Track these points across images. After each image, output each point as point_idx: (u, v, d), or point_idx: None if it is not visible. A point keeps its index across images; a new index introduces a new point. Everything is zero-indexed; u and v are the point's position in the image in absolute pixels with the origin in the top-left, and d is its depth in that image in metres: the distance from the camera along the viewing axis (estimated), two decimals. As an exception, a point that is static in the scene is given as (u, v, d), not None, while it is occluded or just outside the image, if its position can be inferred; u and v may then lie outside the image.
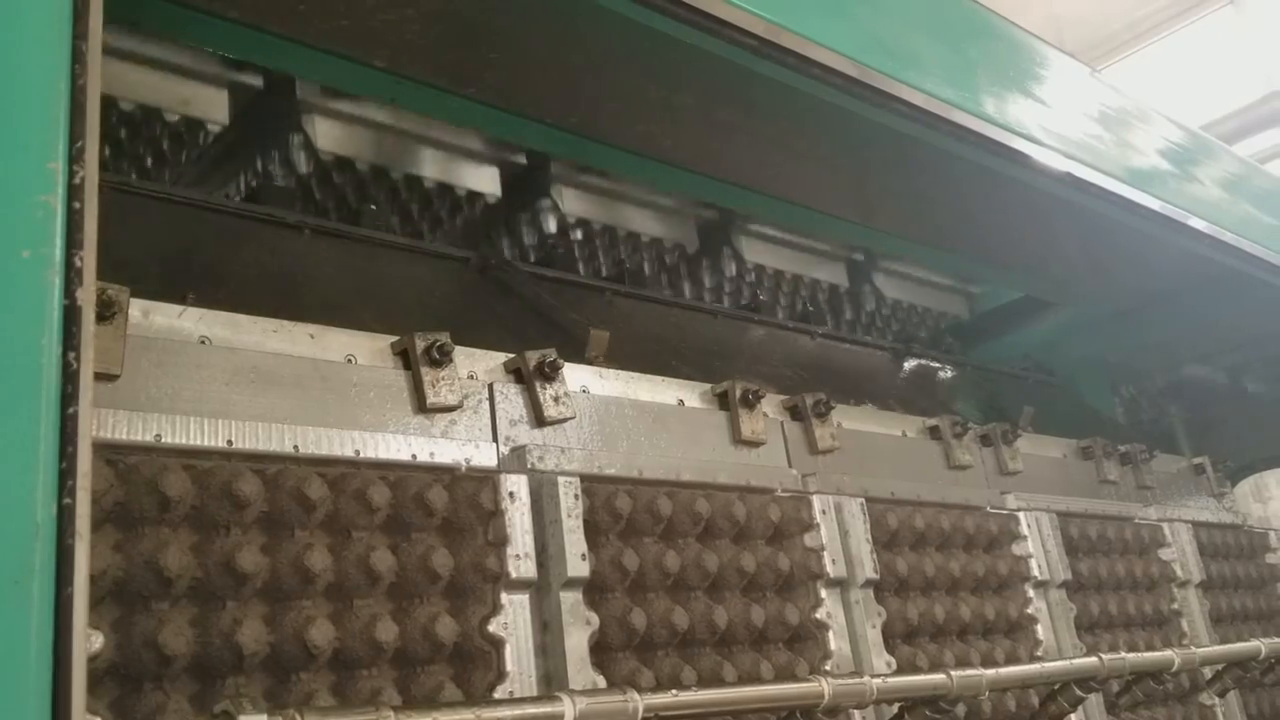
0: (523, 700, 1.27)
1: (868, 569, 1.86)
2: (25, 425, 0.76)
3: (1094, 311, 3.24)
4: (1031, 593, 2.19)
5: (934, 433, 2.31)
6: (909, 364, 2.89)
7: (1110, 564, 2.41)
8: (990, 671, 1.59)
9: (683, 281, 2.75)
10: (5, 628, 0.71)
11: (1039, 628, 2.16)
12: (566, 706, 1.10)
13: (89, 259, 0.85)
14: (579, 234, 2.36)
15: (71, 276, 0.83)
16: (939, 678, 1.54)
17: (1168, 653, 1.94)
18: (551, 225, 2.30)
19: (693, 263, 2.78)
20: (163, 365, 1.32)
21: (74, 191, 0.85)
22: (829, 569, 1.81)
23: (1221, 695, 2.37)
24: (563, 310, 2.07)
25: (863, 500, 1.91)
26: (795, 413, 2.05)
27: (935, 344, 3.10)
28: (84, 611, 0.73)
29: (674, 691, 1.23)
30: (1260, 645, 2.19)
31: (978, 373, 3.13)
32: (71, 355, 0.79)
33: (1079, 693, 1.79)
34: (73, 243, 0.84)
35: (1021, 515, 2.23)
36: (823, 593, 1.81)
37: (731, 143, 2.09)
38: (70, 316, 0.81)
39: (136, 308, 1.33)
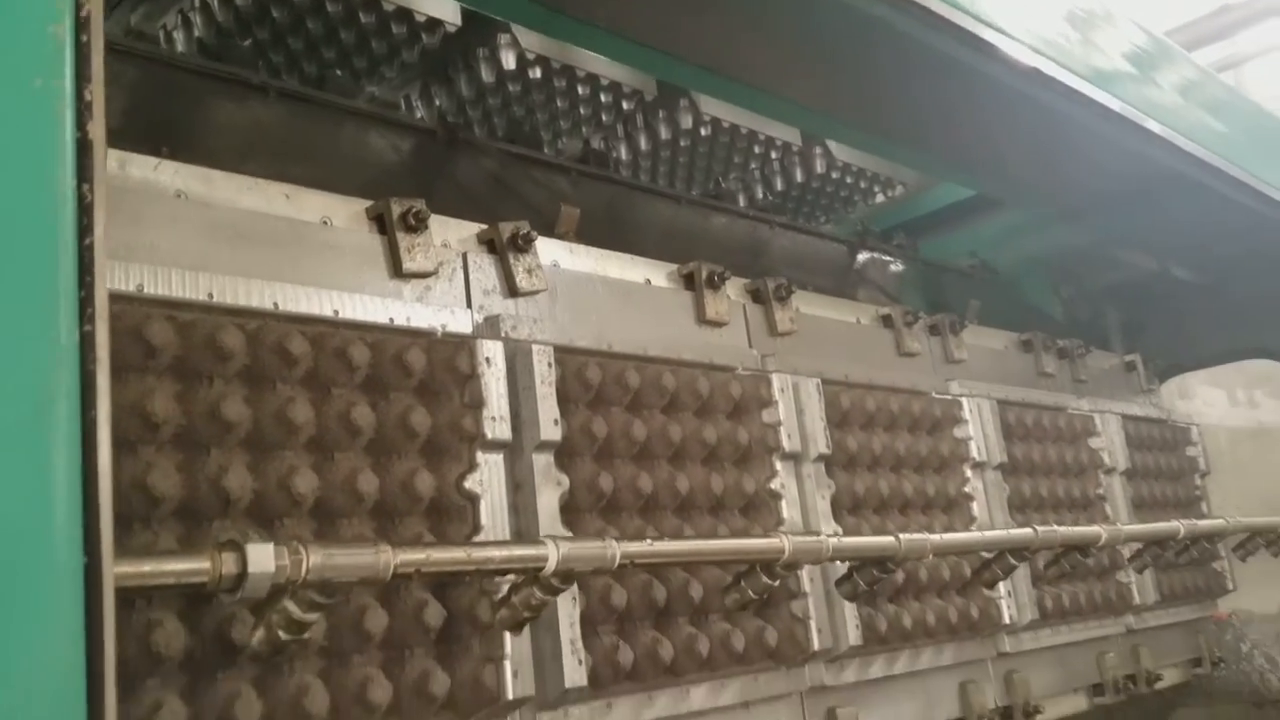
0: (509, 543, 1.33)
1: (820, 445, 1.94)
2: (46, 254, 0.78)
3: (1040, 213, 3.32)
4: (969, 473, 2.29)
5: (886, 321, 2.38)
6: (862, 255, 2.95)
7: (1043, 450, 2.52)
8: (935, 537, 1.68)
9: (639, 134, 2.72)
10: (36, 450, 0.73)
11: (974, 505, 2.27)
12: (550, 550, 1.15)
13: (98, 93, 0.85)
14: (537, 72, 2.32)
15: (82, 109, 0.83)
16: (888, 540, 1.63)
17: (1095, 528, 2.06)
18: (510, 61, 2.26)
19: (650, 111, 2.75)
20: (140, 217, 1.32)
21: (81, 24, 0.85)
22: (785, 443, 1.88)
23: (1140, 571, 2.52)
24: (531, 186, 2.08)
25: (818, 381, 1.98)
26: (756, 296, 2.10)
27: (886, 237, 3.16)
28: (108, 432, 0.75)
29: (648, 540, 1.30)
30: (1179, 525, 2.32)
31: (927, 267, 3.21)
32: (85, 187, 0.80)
33: (1012, 561, 1.90)
34: (82, 75, 0.84)
35: (964, 401, 2.32)
36: (778, 465, 1.88)
37: (693, 19, 2.08)
38: (83, 149, 0.82)
39: (113, 158, 1.33)
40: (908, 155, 3.11)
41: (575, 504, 1.57)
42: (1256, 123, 2.95)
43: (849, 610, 1.86)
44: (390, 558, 1.02)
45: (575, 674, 1.44)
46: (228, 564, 0.91)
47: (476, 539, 1.40)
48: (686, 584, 1.65)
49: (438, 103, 2.33)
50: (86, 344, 0.78)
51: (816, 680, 1.88)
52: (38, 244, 0.77)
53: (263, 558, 0.92)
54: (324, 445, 1.35)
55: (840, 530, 1.92)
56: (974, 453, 2.29)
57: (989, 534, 1.91)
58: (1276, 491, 3.48)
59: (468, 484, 1.45)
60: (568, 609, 1.45)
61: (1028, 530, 1.90)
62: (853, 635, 1.86)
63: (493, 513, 1.46)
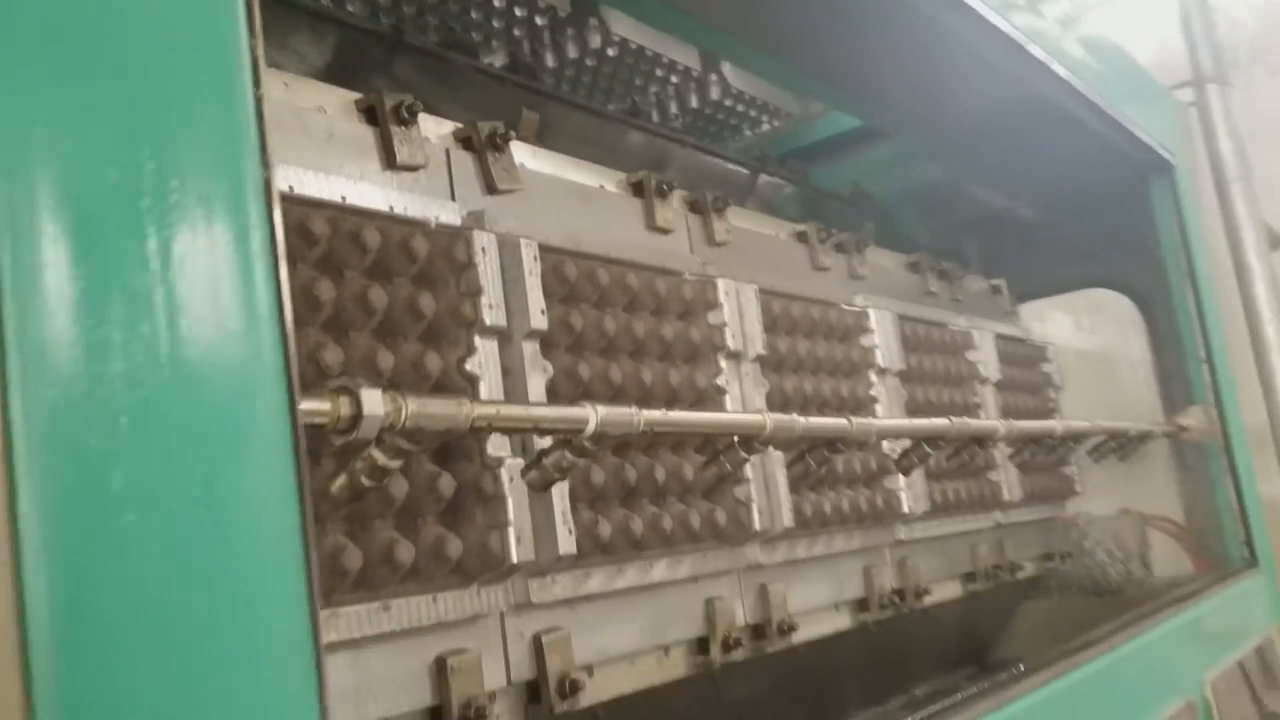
0: (554, 406, 1.43)
1: (757, 346, 2.09)
2: (231, 101, 0.83)
3: (917, 145, 3.55)
4: (875, 378, 2.49)
5: (801, 237, 2.54)
6: (762, 178, 3.11)
7: (933, 361, 2.75)
8: (879, 422, 1.86)
9: (545, 52, 2.78)
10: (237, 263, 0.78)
11: (879, 407, 2.47)
12: (590, 413, 1.26)
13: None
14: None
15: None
16: (841, 422, 1.80)
17: (994, 422, 2.31)
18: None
19: (557, 29, 2.80)
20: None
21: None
22: (729, 343, 2.02)
23: (1018, 465, 2.79)
24: (471, 91, 2.14)
25: (755, 288, 2.13)
26: (695, 207, 2.22)
27: (782, 163, 3.33)
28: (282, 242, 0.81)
29: (663, 410, 1.42)
30: (1056, 424, 2.60)
31: (816, 194, 3.39)
32: (253, 42, 0.85)
33: (927, 449, 2.12)
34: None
35: (871, 313, 2.51)
36: (722, 363, 2.02)
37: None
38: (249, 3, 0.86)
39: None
40: (801, 81, 3.28)
41: (556, 390, 1.67)
42: (1119, 63, 3.23)
43: (784, 496, 2.03)
44: (470, 410, 1.11)
45: (567, 543, 1.56)
46: (344, 406, 0.98)
47: (484, 416, 1.48)
48: (651, 468, 1.78)
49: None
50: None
51: (753, 560, 2.04)
52: (222, 92, 0.82)
53: (374, 401, 1.00)
54: (340, 324, 1.41)
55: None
56: (879, 360, 2.49)
57: (918, 422, 2.11)
58: (1115, 406, 3.86)
59: (468, 366, 1.53)
60: (559, 485, 1.56)
61: (944, 421, 2.11)
62: (787, 519, 2.03)
63: (490, 394, 1.55)
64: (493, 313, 1.56)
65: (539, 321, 1.62)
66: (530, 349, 1.62)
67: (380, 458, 1.07)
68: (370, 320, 1.42)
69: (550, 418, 1.26)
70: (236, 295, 0.74)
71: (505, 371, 1.60)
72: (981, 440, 2.29)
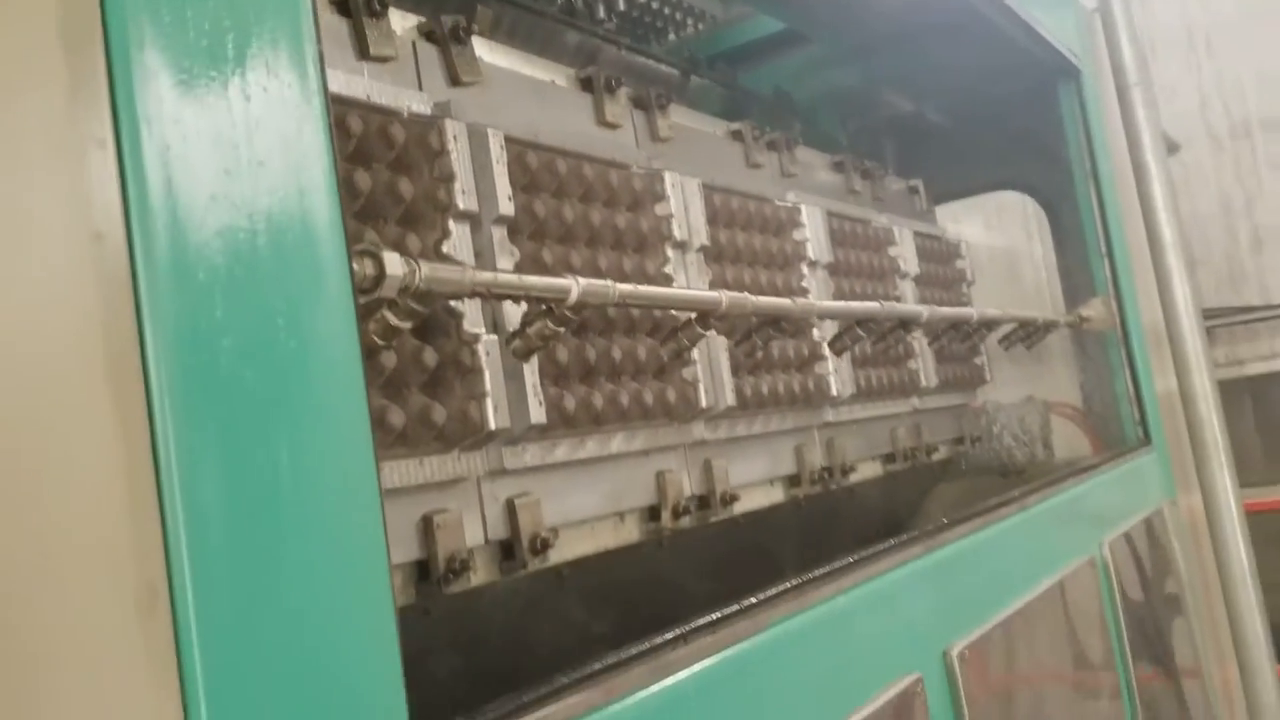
0: (540, 277, 1.53)
1: (702, 237, 2.22)
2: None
3: (836, 49, 3.68)
4: (806, 270, 2.64)
5: (736, 136, 2.66)
6: (694, 80, 3.20)
7: (857, 255, 2.91)
8: (820, 303, 2.02)
9: None
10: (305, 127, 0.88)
11: (811, 297, 2.63)
12: (572, 284, 1.38)
13: None
14: None
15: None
16: (786, 302, 1.94)
17: (920, 307, 2.49)
18: None
19: None
20: None
21: None
22: (676, 233, 2.14)
23: (934, 349, 2.99)
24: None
25: (699, 181, 2.24)
26: (639, 103, 2.31)
27: (711, 66, 3.42)
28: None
29: (634, 285, 1.54)
30: (972, 311, 2.79)
31: (741, 95, 3.50)
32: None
33: (860, 332, 2.28)
34: None
35: (802, 209, 2.65)
36: (669, 253, 2.15)
37: None
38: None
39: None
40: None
41: (522, 274, 1.78)
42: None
43: (727, 377, 2.17)
44: (473, 276, 1.22)
45: (538, 413, 1.68)
46: (369, 267, 1.08)
47: (462, 297, 1.58)
48: (609, 349, 1.91)
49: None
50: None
51: (699, 436, 2.20)
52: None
53: (395, 262, 1.10)
54: (328, 207, 1.50)
55: (719, 310, 2.22)
56: (810, 253, 2.63)
57: (854, 304, 2.27)
58: (1020, 302, 4.09)
59: (444, 248, 1.63)
60: (530, 362, 1.68)
61: (875, 304, 2.27)
62: (730, 398, 2.18)
63: (465, 275, 1.65)
64: (465, 198, 1.65)
65: (506, 207, 1.71)
66: (499, 234, 1.72)
67: (392, 319, 1.17)
68: (355, 203, 1.51)
69: (539, 286, 1.37)
70: (306, 153, 0.84)
71: (477, 254, 1.70)
72: (906, 325, 2.46)
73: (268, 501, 0.80)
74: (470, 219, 1.68)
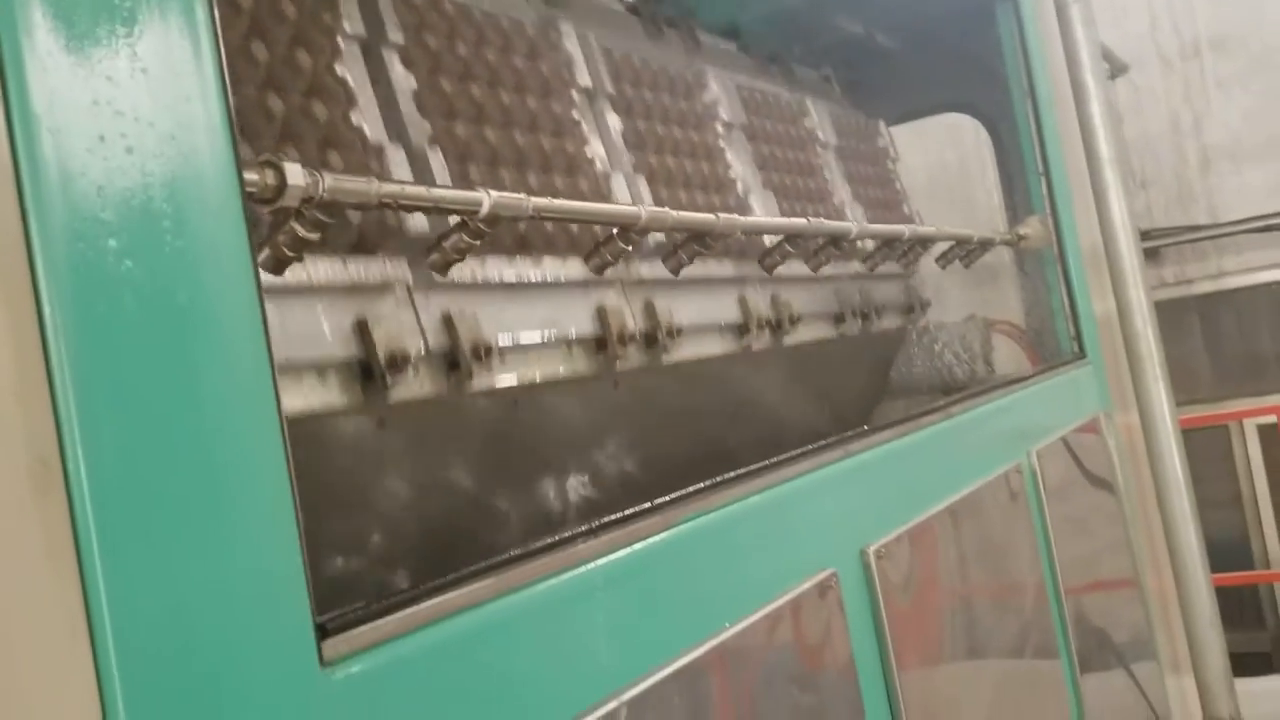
0: (454, 189, 1.53)
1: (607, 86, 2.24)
2: None
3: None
4: (722, 130, 2.65)
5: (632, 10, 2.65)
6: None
7: (773, 124, 2.93)
8: (744, 219, 2.05)
9: None
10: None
11: (729, 158, 2.64)
12: (484, 196, 1.41)
13: None
14: None
15: None
16: (709, 217, 1.98)
17: (848, 223, 2.53)
18: None
19: None
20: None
21: None
22: (580, 80, 2.17)
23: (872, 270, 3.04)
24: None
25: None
26: None
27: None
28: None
29: (549, 198, 1.57)
30: (904, 228, 2.85)
31: (689, 22, 3.50)
32: None
33: (789, 249, 2.33)
34: None
35: (707, 69, 2.70)
36: (575, 96, 2.16)
37: None
38: None
39: None
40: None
41: (422, 103, 1.78)
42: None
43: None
44: (379, 187, 1.25)
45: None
46: (270, 177, 1.11)
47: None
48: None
49: None
50: None
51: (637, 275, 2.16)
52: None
53: (295, 173, 1.13)
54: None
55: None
56: (723, 114, 2.67)
57: (778, 220, 2.32)
58: (961, 221, 4.16)
59: (336, 68, 1.60)
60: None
61: (802, 220, 2.32)
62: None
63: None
64: (350, 23, 1.65)
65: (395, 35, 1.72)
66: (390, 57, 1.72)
67: (300, 229, 1.20)
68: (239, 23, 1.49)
69: (449, 199, 1.40)
70: (192, 68, 0.87)
71: (373, 81, 1.69)
72: (837, 241, 2.51)
73: (158, 376, 0.83)
74: (360, 42, 1.68)
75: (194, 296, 0.84)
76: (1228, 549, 6.97)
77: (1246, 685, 4.67)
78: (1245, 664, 6.19)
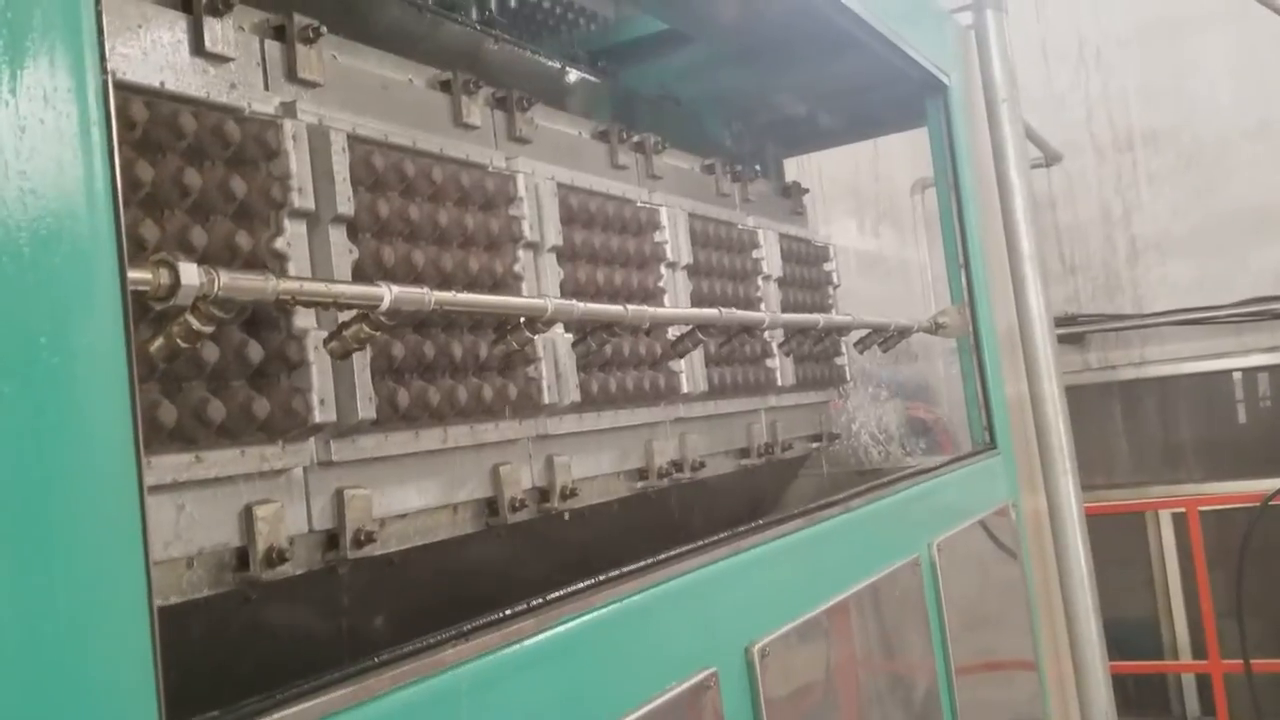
0: (357, 283, 1.57)
1: (554, 237, 2.29)
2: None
3: (721, 51, 3.77)
4: (665, 271, 2.73)
5: (603, 136, 2.73)
6: (572, 76, 3.26)
7: (719, 257, 3.01)
8: (651, 310, 2.10)
9: None
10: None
11: (666, 298, 2.72)
12: (385, 291, 1.44)
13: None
14: None
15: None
16: (618, 308, 2.03)
17: (760, 313, 2.59)
18: None
19: None
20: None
21: None
22: (527, 234, 2.21)
23: (787, 355, 3.11)
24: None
25: (554, 181, 2.31)
26: (501, 104, 2.37)
27: (594, 62, 3.48)
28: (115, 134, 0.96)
29: (455, 291, 1.60)
30: (819, 318, 2.92)
31: (625, 94, 3.57)
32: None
33: (701, 337, 2.38)
34: None
35: (663, 211, 2.74)
36: (520, 253, 2.21)
37: None
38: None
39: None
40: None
41: (363, 271, 1.83)
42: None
43: (571, 374, 2.25)
44: (276, 285, 1.27)
45: (367, 409, 1.74)
46: (164, 276, 1.13)
47: (292, 293, 1.63)
48: (448, 344, 1.97)
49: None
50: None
51: (542, 430, 2.27)
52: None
53: (190, 272, 1.15)
54: (157, 203, 1.53)
55: (567, 309, 2.29)
56: (669, 255, 2.73)
57: (688, 310, 2.37)
58: (884, 305, 4.26)
59: (277, 245, 1.67)
60: (360, 356, 1.73)
61: (714, 310, 2.37)
62: (574, 394, 2.26)
63: (298, 273, 1.70)
64: (300, 196, 1.70)
65: (345, 207, 1.77)
66: (338, 234, 1.77)
67: (195, 323, 1.22)
68: (185, 200, 1.55)
69: (349, 294, 1.43)
70: (79, 177, 0.89)
71: (314, 253, 1.75)
72: (751, 329, 2.57)
73: (26, 501, 0.85)
74: (307, 217, 1.73)
75: (66, 414, 0.86)
76: (1139, 632, 7.11)
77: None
78: (1150, 748, 6.32)
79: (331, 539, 1.79)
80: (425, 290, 1.53)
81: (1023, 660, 3.58)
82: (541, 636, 1.38)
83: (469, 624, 1.28)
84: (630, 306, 2.06)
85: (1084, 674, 3.97)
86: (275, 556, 1.60)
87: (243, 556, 1.62)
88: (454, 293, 1.62)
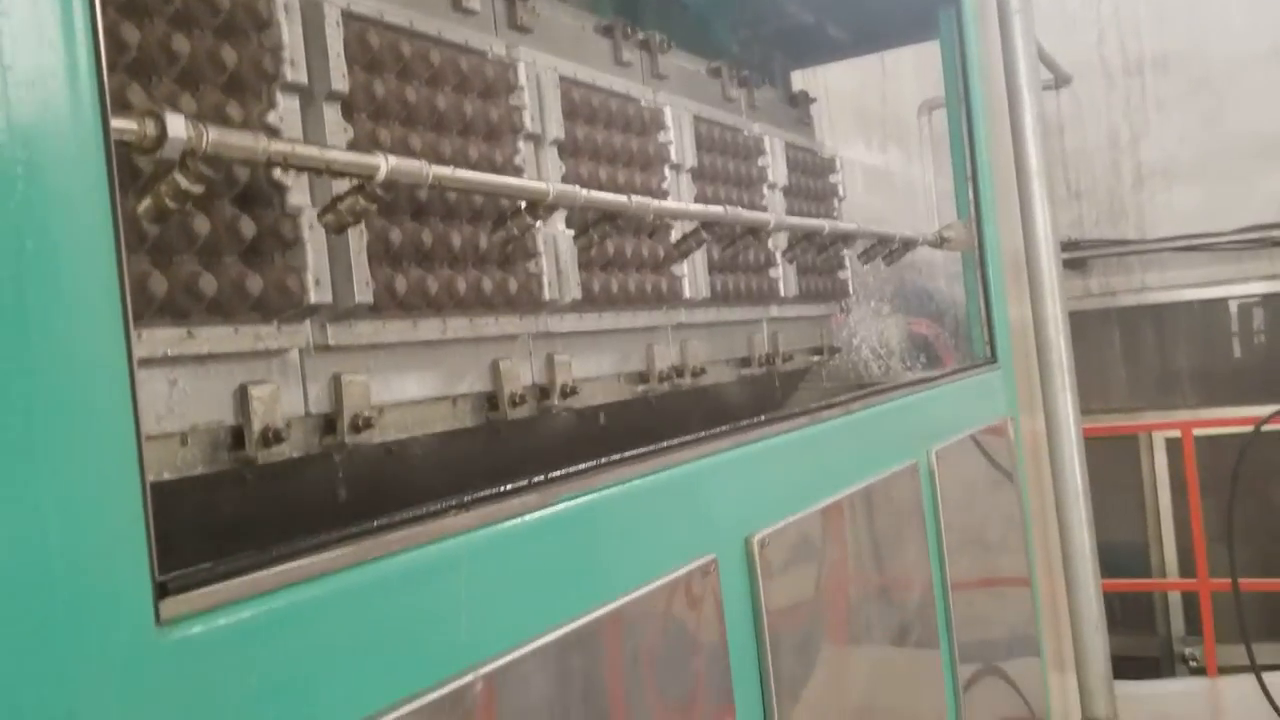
0: (350, 151, 1.53)
1: (556, 130, 2.23)
2: None
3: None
4: (669, 173, 2.67)
5: (607, 32, 2.66)
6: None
7: (725, 161, 2.95)
8: (656, 202, 2.05)
9: None
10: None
11: (670, 201, 2.67)
12: (381, 161, 1.39)
13: None
14: None
15: None
16: (622, 198, 1.98)
17: (765, 215, 2.54)
18: None
19: None
20: None
21: None
22: (528, 124, 2.15)
23: (790, 262, 3.07)
24: None
25: (557, 73, 2.25)
26: (501, -11, 2.30)
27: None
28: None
29: (453, 169, 1.56)
30: (824, 223, 2.87)
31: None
32: None
33: (705, 236, 2.33)
34: None
35: (667, 110, 2.68)
36: (520, 145, 2.16)
37: None
38: None
39: None
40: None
41: (358, 147, 1.77)
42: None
43: (573, 270, 2.21)
44: (266, 145, 1.22)
45: (364, 293, 1.71)
46: (150, 127, 1.09)
47: (286, 169, 1.58)
48: (447, 234, 1.93)
49: None
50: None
51: (543, 328, 2.24)
52: None
53: (178, 124, 1.10)
54: (145, 68, 1.48)
55: (569, 203, 2.24)
56: (674, 156, 2.67)
57: (693, 206, 2.32)
58: (887, 218, 4.21)
59: (269, 119, 1.62)
60: (355, 237, 1.69)
61: (719, 208, 2.32)
62: (575, 292, 2.23)
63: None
64: (293, 69, 1.64)
65: (340, 84, 1.71)
66: (331, 110, 1.72)
67: (183, 182, 1.18)
68: (174, 67, 1.49)
69: (343, 161, 1.39)
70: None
71: (308, 130, 1.70)
72: (756, 231, 2.52)
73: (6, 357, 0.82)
74: (300, 91, 1.68)
75: (41, 245, 0.83)
76: (1129, 555, 7.18)
77: (1130, 688, 4.82)
78: (1135, 667, 6.39)
79: (329, 425, 1.76)
80: (424, 163, 1.49)
81: (1015, 572, 3.59)
82: (545, 512, 1.36)
83: (470, 495, 1.27)
84: (634, 197, 2.01)
85: (1075, 588, 3.99)
86: (271, 436, 1.57)
87: (238, 436, 1.59)
88: (452, 169, 1.57)
